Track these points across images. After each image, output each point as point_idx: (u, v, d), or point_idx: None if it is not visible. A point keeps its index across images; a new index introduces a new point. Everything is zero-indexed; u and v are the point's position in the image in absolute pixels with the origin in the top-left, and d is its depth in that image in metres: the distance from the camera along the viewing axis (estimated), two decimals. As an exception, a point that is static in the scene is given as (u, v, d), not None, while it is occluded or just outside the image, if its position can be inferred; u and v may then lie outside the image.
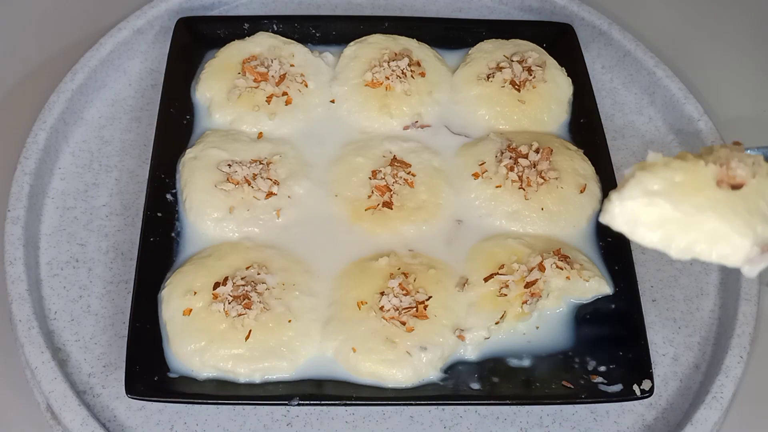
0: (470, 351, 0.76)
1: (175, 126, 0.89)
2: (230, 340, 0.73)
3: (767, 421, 0.80)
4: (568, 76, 0.95)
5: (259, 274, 0.77)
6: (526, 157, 0.86)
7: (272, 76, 0.91)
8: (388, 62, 0.93)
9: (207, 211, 0.82)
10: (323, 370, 0.74)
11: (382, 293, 0.76)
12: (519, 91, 0.92)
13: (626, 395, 0.73)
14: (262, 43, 0.95)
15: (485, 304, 0.77)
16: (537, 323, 0.78)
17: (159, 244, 0.80)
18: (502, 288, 0.77)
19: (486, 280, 0.78)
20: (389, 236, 0.82)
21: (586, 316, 0.79)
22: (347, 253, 0.81)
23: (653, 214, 0.47)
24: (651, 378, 0.73)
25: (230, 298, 0.74)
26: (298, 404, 0.71)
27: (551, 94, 0.93)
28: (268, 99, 0.90)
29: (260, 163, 0.85)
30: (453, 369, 0.75)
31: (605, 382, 0.74)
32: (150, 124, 0.92)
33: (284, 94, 0.91)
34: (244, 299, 0.74)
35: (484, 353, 0.76)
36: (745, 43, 1.11)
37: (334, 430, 0.75)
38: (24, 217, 0.82)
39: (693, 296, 0.85)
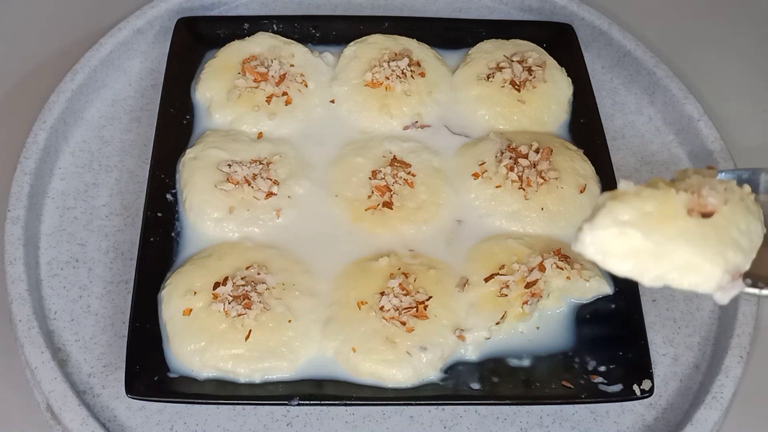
0: (470, 351, 0.76)
1: (175, 126, 0.89)
2: (230, 340, 0.73)
3: (767, 421, 0.80)
4: (568, 76, 0.95)
5: (259, 274, 0.77)
6: (526, 157, 0.86)
7: (272, 76, 0.91)
8: (388, 62, 0.93)
9: (207, 211, 0.82)
10: (323, 370, 0.74)
11: (382, 293, 0.76)
12: (519, 91, 0.92)
13: (626, 395, 0.73)
14: (262, 43, 0.95)
15: (486, 305, 0.77)
16: (537, 323, 0.78)
17: (159, 244, 0.80)
18: (502, 288, 0.77)
19: (486, 280, 0.78)
20: (389, 236, 0.82)
21: (586, 316, 0.79)
22: (347, 253, 0.81)
23: (624, 244, 0.46)
24: (651, 378, 0.73)
25: (230, 298, 0.74)
26: (298, 404, 0.71)
27: (551, 94, 0.93)
28: (268, 99, 0.90)
29: (260, 163, 0.85)
30: (453, 369, 0.75)
31: (605, 382, 0.74)
32: (150, 124, 0.92)
33: (284, 94, 0.91)
34: (244, 299, 0.74)
35: (484, 353, 0.76)
36: (745, 44, 1.11)
37: (334, 430, 0.75)
38: (24, 217, 0.82)
39: (693, 296, 0.85)
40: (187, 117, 0.91)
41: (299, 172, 0.86)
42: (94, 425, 0.71)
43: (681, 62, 1.05)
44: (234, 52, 0.94)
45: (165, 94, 0.90)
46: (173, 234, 0.82)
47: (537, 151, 0.86)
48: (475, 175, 0.86)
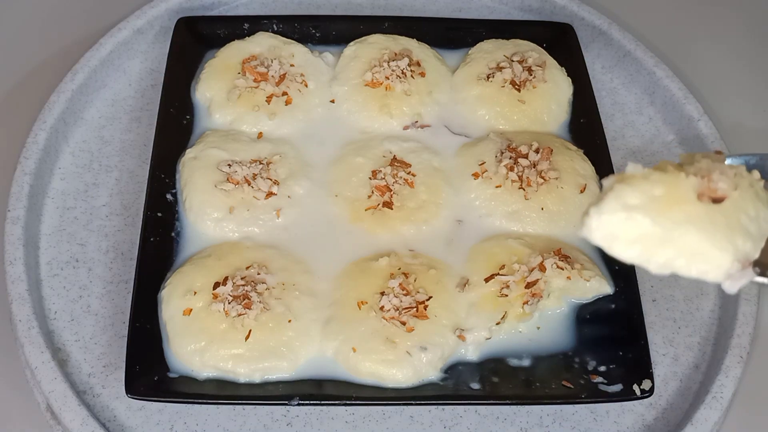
0: (471, 351, 0.76)
1: (175, 126, 0.89)
2: (230, 340, 0.73)
3: (767, 421, 0.80)
4: (568, 76, 0.95)
5: (259, 274, 0.77)
6: (526, 157, 0.86)
7: (272, 76, 0.91)
8: (388, 62, 0.93)
9: (207, 211, 0.82)
10: (323, 370, 0.74)
11: (383, 293, 0.76)
12: (519, 91, 0.92)
13: (626, 395, 0.73)
14: (262, 43, 0.95)
15: (486, 305, 0.77)
16: (538, 323, 0.78)
17: (159, 244, 0.80)
18: (502, 288, 0.77)
19: (487, 280, 0.78)
20: (389, 236, 0.82)
21: (586, 316, 0.79)
22: (347, 253, 0.81)
23: (632, 229, 0.45)
24: (651, 378, 0.73)
25: (230, 298, 0.74)
26: (298, 404, 0.71)
27: (551, 94, 0.93)
28: (268, 99, 0.90)
29: (260, 163, 0.85)
30: (453, 369, 0.75)
31: (605, 382, 0.74)
32: (150, 124, 0.92)
33: (284, 94, 0.91)
34: (244, 299, 0.74)
35: (484, 353, 0.76)
36: (745, 43, 1.11)
37: (334, 430, 0.75)
38: (24, 217, 0.82)
39: (693, 296, 0.85)
40: (187, 117, 0.91)
41: (299, 172, 0.86)
42: (94, 425, 0.71)
43: (681, 62, 1.05)
44: (234, 52, 0.94)
45: (165, 94, 0.90)
46: (173, 234, 0.82)
47: (537, 151, 0.86)
48: (475, 175, 0.86)
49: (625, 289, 0.79)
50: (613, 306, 0.79)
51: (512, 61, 0.94)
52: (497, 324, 0.76)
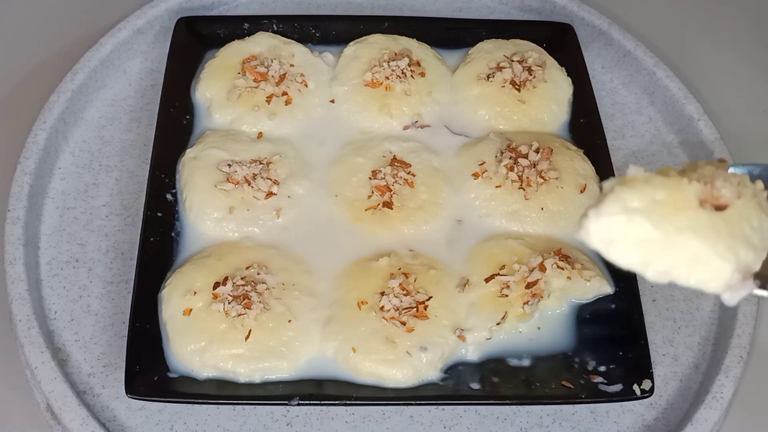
0: (471, 351, 0.76)
1: (175, 126, 0.89)
2: (230, 340, 0.73)
3: (767, 421, 0.80)
4: (568, 76, 0.95)
5: (259, 274, 0.77)
6: (526, 157, 0.86)
7: (272, 76, 0.91)
8: (388, 62, 0.93)
9: (207, 211, 0.82)
10: (323, 370, 0.74)
11: (383, 293, 0.76)
12: (519, 91, 0.92)
13: (626, 395, 0.73)
14: (262, 43, 0.95)
15: (486, 305, 0.77)
16: (538, 323, 0.78)
17: (159, 244, 0.80)
18: (503, 289, 0.77)
19: (487, 280, 0.78)
20: (389, 236, 0.82)
21: (586, 316, 0.79)
22: (347, 253, 0.81)
23: (631, 233, 0.43)
24: (651, 378, 0.73)
25: (230, 298, 0.74)
26: (298, 404, 0.71)
27: (551, 94, 0.93)
28: (268, 99, 0.90)
29: (260, 163, 0.85)
30: (453, 369, 0.75)
31: (605, 382, 0.74)
32: (150, 124, 0.92)
33: (284, 94, 0.91)
34: (244, 299, 0.74)
35: (484, 354, 0.76)
36: (745, 43, 1.11)
37: (334, 430, 0.75)
38: (24, 217, 0.82)
39: (693, 296, 0.85)
40: (187, 117, 0.91)
41: (299, 172, 0.86)
42: (94, 425, 0.71)
43: (681, 62, 1.05)
44: (234, 51, 0.94)
45: (165, 94, 0.90)
46: (173, 234, 0.82)
47: (537, 151, 0.86)
48: (475, 175, 0.86)
49: (625, 289, 0.79)
50: (613, 306, 0.79)
51: (512, 61, 0.94)
52: (497, 324, 0.76)
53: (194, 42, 0.97)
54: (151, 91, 0.97)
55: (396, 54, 0.94)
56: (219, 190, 0.82)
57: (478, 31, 0.99)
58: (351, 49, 0.96)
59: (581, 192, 0.85)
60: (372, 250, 0.81)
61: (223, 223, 0.82)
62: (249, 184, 0.83)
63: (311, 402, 0.71)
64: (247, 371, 0.73)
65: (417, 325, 0.75)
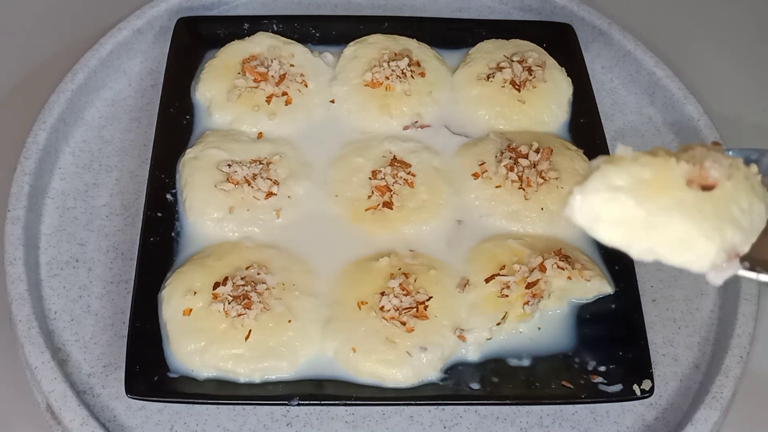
0: (471, 352, 0.76)
1: (175, 126, 0.89)
2: (230, 340, 0.73)
3: (767, 421, 0.80)
4: (568, 76, 0.95)
5: (259, 274, 0.77)
6: (526, 157, 0.86)
7: (272, 76, 0.91)
8: (388, 62, 0.93)
9: (207, 211, 0.82)
10: (323, 370, 0.74)
11: (383, 293, 0.76)
12: (519, 91, 0.92)
13: (626, 395, 0.73)
14: (262, 43, 0.95)
15: (486, 305, 0.77)
16: (538, 324, 0.78)
17: (159, 244, 0.80)
18: (503, 289, 0.77)
19: (487, 281, 0.78)
20: (389, 236, 0.82)
21: (586, 316, 0.79)
22: (347, 253, 0.81)
23: (615, 211, 0.43)
24: (651, 378, 0.73)
25: (230, 298, 0.74)
26: (298, 404, 0.70)
27: (551, 94, 0.93)
28: (268, 99, 0.90)
29: (260, 163, 0.85)
30: (453, 369, 0.75)
31: (605, 382, 0.74)
32: (150, 124, 0.92)
33: (284, 94, 0.91)
34: (244, 299, 0.74)
35: (484, 354, 0.76)
36: (745, 43, 1.11)
37: (334, 430, 0.75)
38: (24, 217, 0.82)
39: (693, 296, 0.85)
40: (187, 117, 0.91)
41: (299, 172, 0.86)
42: (94, 425, 0.71)
43: (681, 62, 1.05)
44: (234, 52, 0.94)
45: (165, 94, 0.90)
46: (173, 234, 0.82)
47: (537, 151, 0.86)
48: (475, 175, 0.86)
49: (625, 289, 0.79)
50: (613, 306, 0.79)
51: (512, 61, 0.94)
52: (498, 324, 0.76)
53: (194, 42, 0.97)
54: (151, 91, 0.97)
55: (396, 54, 0.94)
56: (219, 190, 0.82)
57: (478, 31, 0.99)
58: (351, 49, 0.96)
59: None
60: (372, 250, 0.81)
61: (223, 223, 0.82)
62: (249, 184, 0.83)
63: (311, 402, 0.71)
64: (247, 371, 0.73)
65: (417, 325, 0.75)
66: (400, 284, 0.76)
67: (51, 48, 1.03)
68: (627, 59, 1.01)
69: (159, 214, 0.82)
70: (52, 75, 0.95)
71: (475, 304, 0.77)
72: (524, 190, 0.84)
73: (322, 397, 0.72)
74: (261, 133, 0.89)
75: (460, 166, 0.88)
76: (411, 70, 0.93)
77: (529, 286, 0.77)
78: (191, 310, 0.74)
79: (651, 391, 0.72)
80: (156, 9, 1.01)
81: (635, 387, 0.73)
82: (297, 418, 0.75)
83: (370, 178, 0.85)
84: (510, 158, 0.86)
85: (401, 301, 0.75)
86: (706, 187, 0.45)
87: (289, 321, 0.75)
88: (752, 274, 0.45)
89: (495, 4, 1.08)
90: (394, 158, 0.87)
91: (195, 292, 0.75)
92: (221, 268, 0.77)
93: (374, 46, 0.95)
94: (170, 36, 0.95)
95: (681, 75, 1.00)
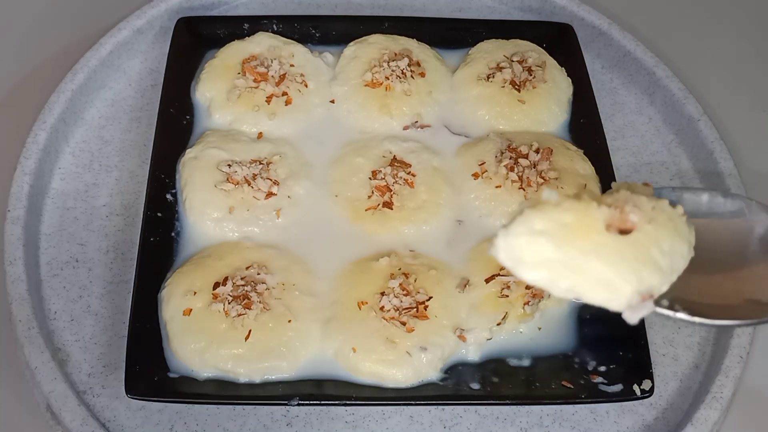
0: (472, 352, 0.76)
1: (175, 126, 0.89)
2: (230, 340, 0.73)
3: (767, 421, 0.80)
4: (568, 76, 0.95)
5: (259, 274, 0.77)
6: (526, 157, 0.86)
7: (272, 76, 0.91)
8: (388, 62, 0.93)
9: (207, 211, 0.82)
10: (323, 370, 0.74)
11: (383, 293, 0.76)
12: (519, 91, 0.92)
13: (626, 395, 0.73)
14: (261, 43, 0.95)
15: (487, 306, 0.77)
16: (538, 324, 0.78)
17: (159, 244, 0.80)
18: (503, 289, 0.77)
19: (487, 281, 0.78)
20: (389, 236, 0.82)
21: (586, 316, 0.79)
22: (347, 253, 0.81)
23: (536, 254, 0.45)
24: (651, 378, 0.73)
25: (230, 298, 0.74)
26: (298, 404, 0.70)
27: (551, 94, 0.93)
28: (268, 99, 0.90)
29: (260, 163, 0.85)
30: (453, 369, 0.75)
31: (605, 382, 0.74)
32: (150, 124, 0.92)
33: (284, 94, 0.91)
34: (244, 299, 0.74)
35: (485, 354, 0.76)
36: (745, 43, 1.11)
37: (334, 430, 0.75)
38: (24, 217, 0.82)
39: (693, 296, 0.85)
40: (187, 117, 0.91)
41: (299, 172, 0.86)
42: (94, 425, 0.71)
43: (681, 62, 1.05)
44: (234, 52, 0.94)
45: (165, 94, 0.90)
46: (173, 234, 0.82)
47: (537, 151, 0.86)
48: (475, 175, 0.86)
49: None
50: (613, 306, 0.79)
51: (512, 61, 0.94)
52: (498, 324, 0.76)
53: (194, 42, 0.97)
54: (151, 91, 0.97)
55: (396, 54, 0.94)
56: (219, 190, 0.82)
57: (478, 31, 0.99)
58: (351, 49, 0.96)
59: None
60: (372, 250, 0.81)
61: (223, 223, 0.82)
62: (249, 184, 0.83)
63: (311, 402, 0.71)
64: (247, 371, 0.73)
65: (417, 326, 0.75)
66: (400, 284, 0.76)
67: (51, 48, 1.03)
68: (627, 59, 1.01)
69: (159, 214, 0.82)
70: (52, 75, 0.95)
71: (475, 305, 0.77)
72: (524, 190, 0.84)
73: (322, 397, 0.72)
74: (261, 133, 0.89)
75: (460, 166, 0.88)
76: (411, 70, 0.93)
77: (529, 286, 0.77)
78: (191, 310, 0.74)
79: (651, 391, 0.72)
80: (156, 9, 1.01)
81: (635, 387, 0.72)
82: (297, 418, 0.75)
83: (370, 178, 0.85)
84: (510, 158, 0.86)
85: (401, 301, 0.75)
86: (625, 231, 0.47)
87: (289, 321, 0.75)
88: (669, 312, 0.47)
89: (495, 4, 1.08)
90: (394, 158, 0.87)
91: (195, 292, 0.75)
92: (221, 268, 0.77)
93: (374, 46, 0.95)
94: (170, 36, 0.95)
95: (681, 75, 1.00)
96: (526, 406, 0.76)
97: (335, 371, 0.74)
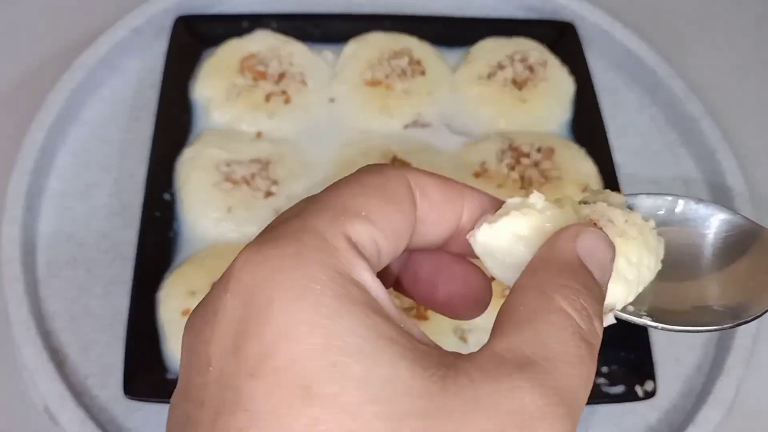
0: (472, 352, 0.75)
1: (173, 125, 0.89)
2: (229, 341, 0.72)
3: (770, 422, 0.80)
4: (570, 74, 0.95)
5: (258, 274, 0.76)
6: (527, 156, 0.85)
7: (271, 75, 0.91)
8: (389, 61, 0.92)
9: (205, 211, 0.81)
10: (323, 371, 0.74)
11: (383, 294, 0.75)
12: (520, 90, 0.92)
13: (628, 396, 0.72)
14: (261, 41, 0.94)
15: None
16: (539, 324, 0.77)
17: (157, 244, 0.80)
18: (504, 289, 0.77)
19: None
20: (389, 236, 0.82)
21: (587, 316, 0.78)
22: (347, 253, 0.81)
23: (512, 257, 0.46)
24: (653, 379, 0.73)
25: (229, 299, 0.74)
26: (298, 406, 0.70)
27: (553, 93, 0.92)
28: (267, 98, 0.90)
29: (259, 163, 0.85)
30: (454, 370, 0.75)
31: (607, 383, 0.73)
32: (148, 123, 0.91)
33: (283, 92, 0.91)
34: (243, 300, 0.74)
35: (485, 354, 0.75)
36: (747, 42, 1.11)
37: None
38: (22, 217, 0.82)
39: (695, 296, 0.85)
40: (186, 116, 0.90)
41: (299, 171, 0.86)
42: (93, 426, 0.71)
43: (683, 61, 1.04)
44: (233, 50, 0.93)
45: (163, 93, 0.89)
46: (171, 234, 0.82)
47: (539, 150, 0.85)
48: (476, 175, 0.86)
49: (627, 289, 0.79)
50: (615, 306, 0.78)
51: (513, 59, 0.94)
52: (498, 325, 0.75)
53: (193, 41, 0.96)
54: (149, 91, 0.97)
55: (396, 52, 0.94)
56: (218, 190, 0.82)
57: (479, 30, 0.99)
58: (351, 47, 0.95)
59: (583, 191, 0.84)
60: (372, 250, 0.81)
61: (222, 223, 0.81)
62: (248, 184, 0.82)
63: (311, 403, 0.71)
64: (246, 372, 0.72)
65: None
66: (401, 284, 0.76)
67: (49, 47, 1.02)
68: (629, 58, 1.01)
69: (157, 214, 0.81)
70: (50, 74, 0.94)
71: (476, 305, 0.77)
72: (526, 189, 0.84)
73: (322, 398, 0.72)
74: (260, 132, 0.89)
75: (461, 165, 0.87)
76: (411, 69, 0.92)
77: (530, 286, 0.76)
78: (190, 310, 0.74)
79: (653, 392, 0.72)
80: (154, 8, 1.00)
81: (637, 388, 0.72)
82: (296, 419, 0.75)
83: (370, 178, 0.85)
84: (511, 157, 0.85)
85: (401, 302, 0.75)
86: None
87: (289, 322, 0.74)
88: (633, 318, 0.48)
89: (496, 3, 1.08)
90: (395, 157, 0.87)
91: (194, 293, 0.75)
92: (220, 268, 0.76)
93: (374, 44, 0.95)
94: (168, 35, 0.95)
95: (683, 74, 1.00)
96: (528, 408, 0.76)
97: (335, 372, 0.74)
